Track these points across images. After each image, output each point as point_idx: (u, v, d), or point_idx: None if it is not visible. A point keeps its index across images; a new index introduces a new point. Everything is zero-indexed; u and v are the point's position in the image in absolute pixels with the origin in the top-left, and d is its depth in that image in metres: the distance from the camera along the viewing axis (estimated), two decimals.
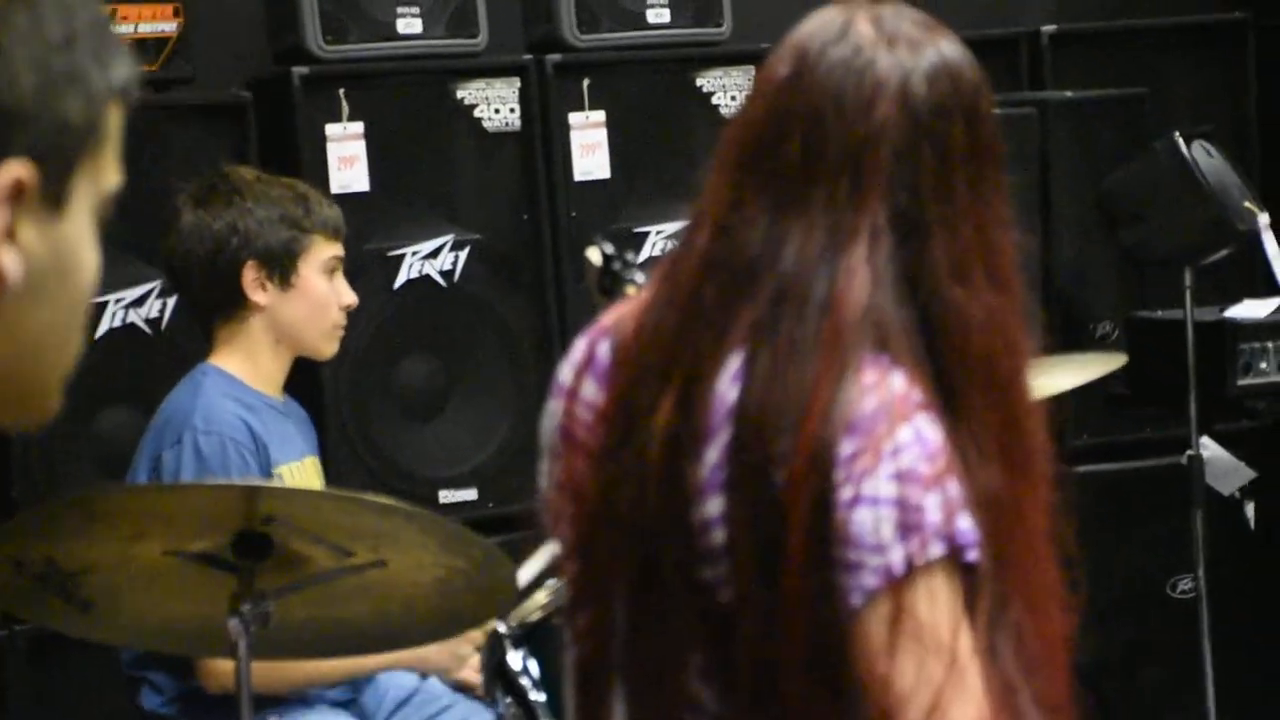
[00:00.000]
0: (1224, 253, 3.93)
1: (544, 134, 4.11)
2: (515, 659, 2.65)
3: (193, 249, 3.21)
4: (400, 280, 4.01)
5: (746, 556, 1.59)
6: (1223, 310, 4.09)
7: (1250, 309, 4.04)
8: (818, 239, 1.63)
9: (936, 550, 1.57)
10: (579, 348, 1.76)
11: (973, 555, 1.58)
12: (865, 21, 1.69)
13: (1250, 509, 4.22)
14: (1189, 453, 3.99)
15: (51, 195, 1.11)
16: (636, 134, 4.20)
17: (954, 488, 1.58)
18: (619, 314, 1.75)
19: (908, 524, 1.56)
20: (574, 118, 4.15)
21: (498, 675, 2.67)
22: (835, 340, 1.60)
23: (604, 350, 1.72)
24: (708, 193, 1.69)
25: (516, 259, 4.13)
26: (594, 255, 2.31)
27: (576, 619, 1.70)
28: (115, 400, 3.75)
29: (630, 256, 2.28)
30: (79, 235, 1.14)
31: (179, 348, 3.70)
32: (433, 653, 3.12)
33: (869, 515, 1.56)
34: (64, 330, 1.15)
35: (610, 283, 2.27)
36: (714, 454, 1.61)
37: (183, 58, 3.87)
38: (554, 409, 1.76)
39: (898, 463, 1.57)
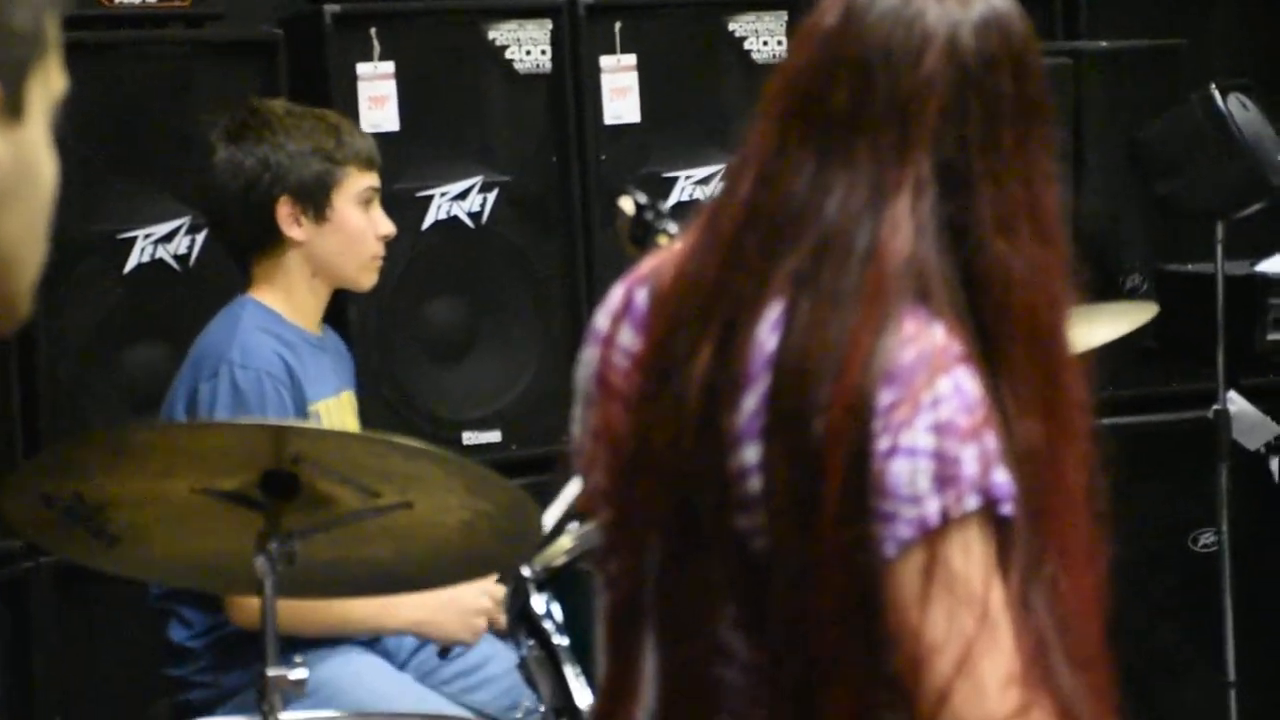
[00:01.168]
0: (1257, 207, 3.91)
1: (575, 77, 4.09)
2: (539, 603, 2.66)
3: (226, 185, 3.21)
4: (428, 221, 4.01)
5: (782, 505, 1.59)
6: (1254, 264, 4.07)
7: None
8: (862, 189, 1.63)
9: (972, 503, 1.57)
10: (616, 295, 1.75)
11: (1008, 509, 1.58)
12: None
13: (1275, 464, 4.21)
14: (1215, 407, 3.98)
15: (10, 104, 1.15)
16: (667, 78, 4.18)
17: (991, 441, 1.58)
18: (657, 262, 1.74)
19: (944, 476, 1.56)
20: (605, 61, 4.13)
21: (521, 618, 2.68)
22: (877, 290, 1.60)
23: (641, 298, 1.72)
24: (751, 141, 1.68)
25: (545, 202, 4.12)
26: (626, 204, 2.30)
27: (609, 565, 1.70)
28: (143, 336, 3.76)
29: (662, 206, 2.27)
30: (38, 141, 1.18)
31: (208, 284, 3.70)
32: (445, 619, 3.10)
33: (906, 466, 1.56)
34: (32, 237, 1.18)
35: (642, 232, 2.27)
36: (752, 401, 1.61)
37: None
38: (589, 356, 1.75)
39: (936, 414, 1.57)
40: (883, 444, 1.56)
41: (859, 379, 1.57)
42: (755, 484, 1.60)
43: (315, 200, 3.17)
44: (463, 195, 4.03)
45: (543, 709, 2.69)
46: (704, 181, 4.21)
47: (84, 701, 3.65)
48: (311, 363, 3.19)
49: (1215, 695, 4.09)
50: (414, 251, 3.99)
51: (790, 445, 1.59)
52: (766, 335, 1.62)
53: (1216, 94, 3.84)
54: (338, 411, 3.21)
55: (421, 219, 4.00)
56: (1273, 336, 3.97)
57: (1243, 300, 3.98)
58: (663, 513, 1.65)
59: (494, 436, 4.06)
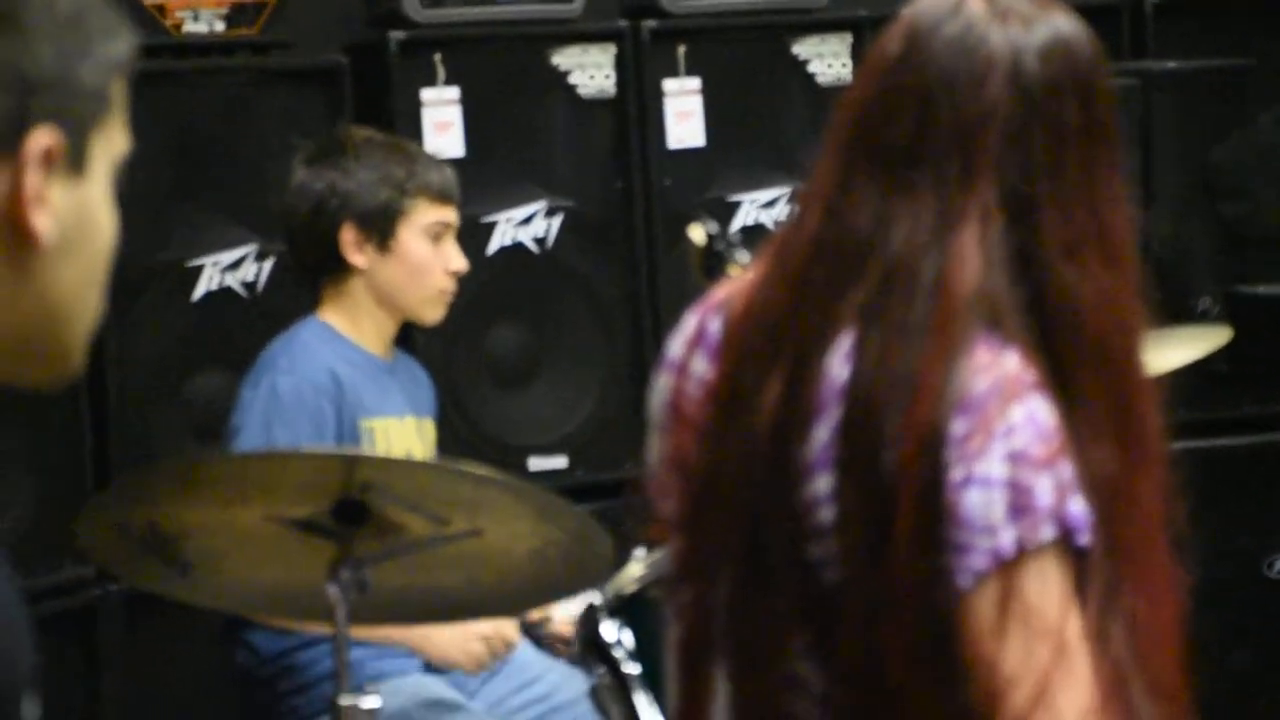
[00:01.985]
0: None
1: (639, 101, 4.09)
2: (609, 630, 2.65)
3: (295, 207, 3.23)
4: (493, 247, 4.01)
5: (855, 536, 1.58)
6: None
7: None
8: (927, 220, 1.62)
9: (1048, 533, 1.55)
10: (689, 323, 1.75)
11: (1084, 539, 1.56)
12: None
13: None
14: None
15: (73, 158, 1.19)
16: (731, 102, 4.17)
17: (1066, 470, 1.57)
18: (730, 290, 1.74)
19: (1019, 506, 1.55)
20: (668, 85, 4.13)
21: (592, 646, 2.67)
22: (946, 321, 1.59)
23: (715, 326, 1.72)
24: (818, 172, 1.68)
25: (609, 227, 4.12)
26: (697, 234, 2.29)
27: (680, 595, 1.70)
28: (211, 364, 3.77)
29: (733, 235, 2.26)
30: (99, 197, 1.22)
31: (275, 311, 3.71)
32: (441, 640, 3.08)
33: (980, 496, 1.55)
34: (88, 289, 1.22)
35: (713, 262, 2.26)
36: (823, 433, 1.61)
37: (280, 22, 3.87)
38: (663, 384, 1.75)
39: (1010, 443, 1.56)
40: (957, 474, 1.55)
41: (931, 409, 1.56)
42: (827, 515, 1.60)
43: (379, 229, 3.18)
44: (527, 221, 4.03)
45: None
46: (768, 205, 4.20)
47: None
48: (372, 381, 3.19)
49: None
50: (479, 277, 3.98)
51: (863, 477, 1.58)
52: (837, 367, 1.62)
53: None
54: (400, 433, 3.21)
55: (486, 245, 4.00)
56: None
57: None
58: (734, 543, 1.64)
59: (560, 462, 4.05)
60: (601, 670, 2.66)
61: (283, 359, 3.13)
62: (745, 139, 4.19)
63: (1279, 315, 3.93)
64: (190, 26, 3.79)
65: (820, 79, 4.24)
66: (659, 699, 2.65)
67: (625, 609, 2.67)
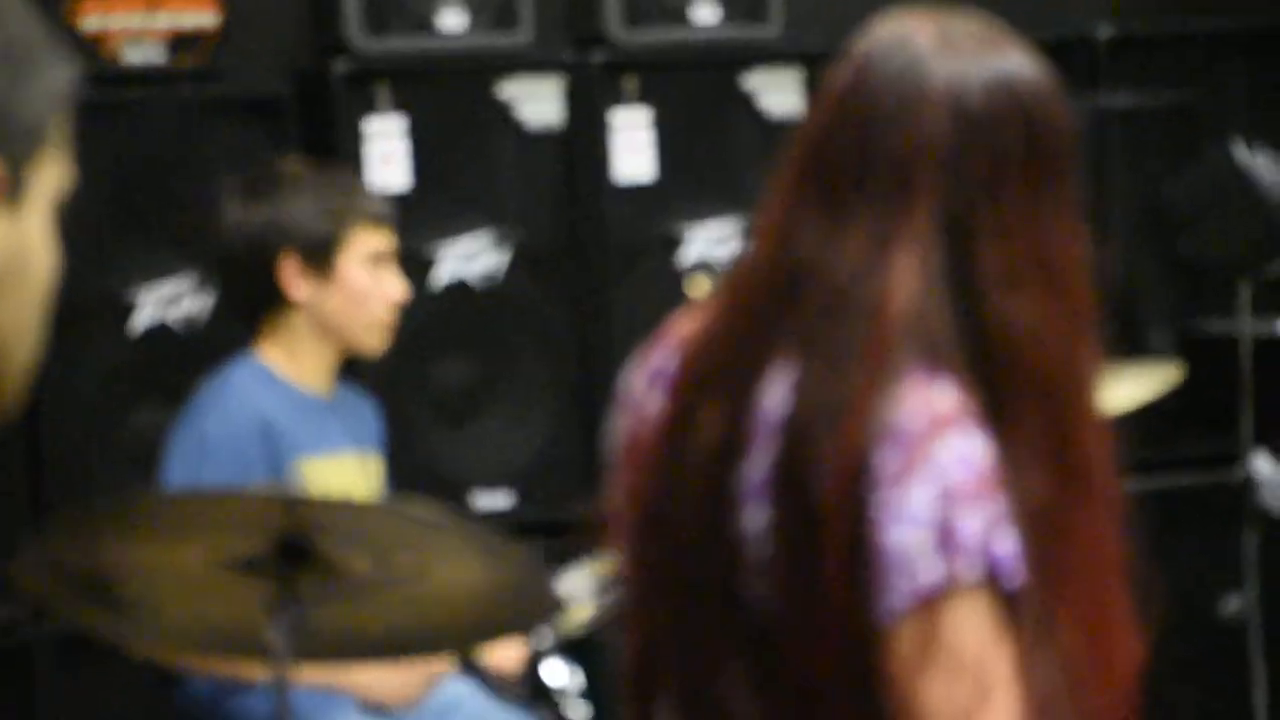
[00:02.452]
0: None
1: (588, 133, 4.06)
2: (554, 671, 2.61)
3: (232, 244, 3.18)
4: (439, 280, 3.96)
5: (785, 569, 1.59)
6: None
7: None
8: (866, 247, 1.63)
9: (973, 573, 1.55)
10: (648, 360, 1.75)
11: (1012, 579, 1.56)
12: (928, 31, 1.68)
13: None
14: (1243, 474, 3.92)
15: (10, 192, 1.17)
16: (681, 134, 4.14)
17: (995, 507, 1.56)
18: (687, 326, 1.73)
19: (945, 544, 1.55)
20: (618, 117, 4.09)
21: (537, 689, 2.63)
22: (880, 348, 1.59)
23: (672, 364, 1.71)
24: (769, 201, 1.69)
25: (557, 260, 4.08)
26: (699, 287, 2.27)
27: (627, 630, 1.71)
28: (149, 399, 3.72)
29: None
30: (37, 231, 1.19)
31: (214, 346, 3.65)
32: (384, 686, 3.02)
33: (906, 534, 1.55)
34: (27, 325, 1.20)
35: None
36: (758, 465, 1.61)
37: (223, 51, 3.83)
38: (619, 423, 1.75)
39: (939, 480, 1.55)
40: (882, 510, 1.55)
41: (858, 438, 1.56)
42: (763, 549, 1.60)
43: (318, 259, 3.13)
44: (474, 254, 3.99)
45: None
46: (718, 240, 4.17)
47: None
48: (308, 420, 3.14)
49: None
50: (425, 310, 3.94)
51: (793, 509, 1.58)
52: (771, 398, 1.62)
53: (1239, 149, 3.81)
54: (337, 471, 3.16)
55: (432, 278, 3.96)
56: None
57: (1270, 361, 3.92)
58: (673, 575, 1.65)
59: (505, 499, 4.00)
60: (547, 713, 2.62)
61: (210, 403, 3.09)
62: (695, 172, 4.16)
63: (1230, 352, 3.91)
64: (131, 56, 3.74)
65: (771, 113, 4.21)
66: None
67: (575, 650, 2.63)
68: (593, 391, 4.06)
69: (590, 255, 4.08)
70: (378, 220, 3.18)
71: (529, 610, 2.57)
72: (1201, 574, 4.25)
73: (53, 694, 3.56)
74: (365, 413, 3.31)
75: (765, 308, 1.64)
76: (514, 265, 4.02)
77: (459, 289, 3.98)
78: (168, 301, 3.73)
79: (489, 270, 4.00)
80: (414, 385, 3.95)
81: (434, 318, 3.96)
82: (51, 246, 1.21)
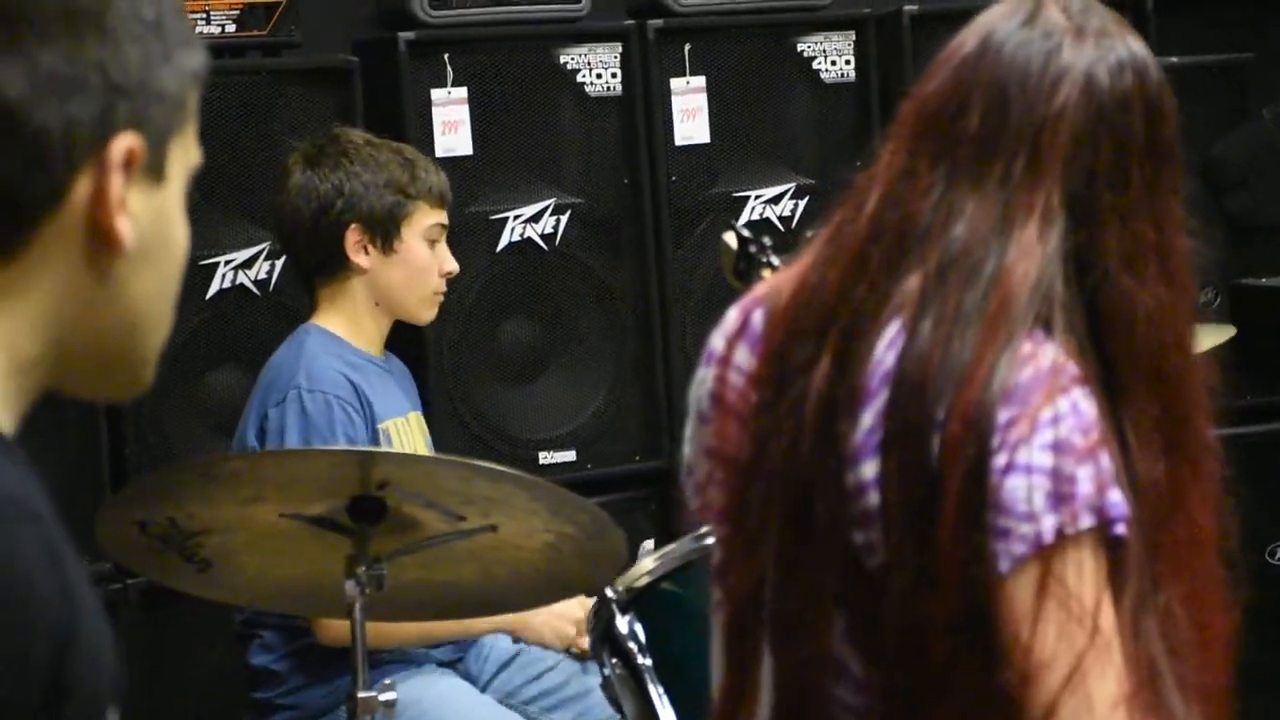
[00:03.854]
0: None
1: (645, 99, 4.13)
2: (622, 623, 2.69)
3: (299, 208, 3.25)
4: (502, 244, 4.05)
5: (899, 517, 1.60)
6: None
7: None
8: (990, 213, 1.64)
9: (1086, 521, 1.58)
10: (731, 316, 1.76)
11: (1121, 529, 1.59)
12: (1055, 9, 1.70)
13: None
14: None
15: (153, 166, 1.18)
16: (737, 99, 4.21)
17: (1106, 461, 1.59)
18: (774, 283, 1.75)
19: (1059, 494, 1.57)
20: (675, 83, 4.17)
21: (605, 639, 2.71)
22: (1002, 312, 1.61)
23: (758, 319, 1.73)
24: (880, 160, 1.70)
25: (616, 223, 4.16)
26: (730, 239, 2.31)
27: (727, 579, 1.71)
28: (224, 361, 3.81)
29: (766, 240, 2.28)
30: (175, 206, 1.20)
31: (287, 308, 3.75)
32: (537, 621, 3.15)
33: (1022, 483, 1.57)
34: (163, 299, 1.20)
35: (746, 266, 2.28)
36: (869, 417, 1.62)
37: (290, 23, 3.91)
38: (704, 375, 1.76)
39: (1053, 432, 1.58)
40: (1000, 460, 1.57)
41: (979, 395, 1.58)
42: (872, 500, 1.62)
43: (385, 231, 3.21)
44: (535, 218, 4.07)
45: None
46: (773, 200, 4.24)
47: None
48: (379, 383, 3.23)
49: None
50: (488, 274, 4.03)
51: (908, 459, 1.60)
52: (885, 350, 1.63)
53: None
54: (407, 431, 3.25)
55: (495, 242, 4.05)
56: None
57: None
58: (779, 518, 1.66)
59: (569, 456, 4.09)
60: (615, 663, 2.70)
61: (300, 375, 3.15)
62: (750, 135, 4.23)
63: (1278, 306, 3.96)
64: (201, 28, 3.83)
65: (824, 76, 4.28)
66: (671, 692, 2.69)
67: (638, 603, 2.71)
68: (651, 351, 4.15)
69: (649, 218, 4.16)
70: (440, 197, 3.26)
71: (597, 564, 2.65)
72: (1252, 523, 4.30)
73: (136, 647, 3.66)
74: (407, 373, 3.41)
75: (879, 264, 1.65)
76: (574, 229, 4.10)
77: (522, 252, 4.06)
78: (240, 266, 3.82)
79: (550, 234, 4.08)
80: (478, 347, 4.04)
81: (497, 281, 4.05)
82: (185, 223, 1.21)
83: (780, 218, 4.24)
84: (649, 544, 3.49)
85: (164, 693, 3.71)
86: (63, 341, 1.17)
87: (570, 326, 4.12)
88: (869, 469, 1.62)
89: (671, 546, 2.72)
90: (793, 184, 4.24)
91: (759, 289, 1.77)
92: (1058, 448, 1.58)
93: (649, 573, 2.71)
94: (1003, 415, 1.58)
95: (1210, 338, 3.48)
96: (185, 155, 1.21)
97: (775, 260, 2.26)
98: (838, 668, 1.65)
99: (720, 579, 1.72)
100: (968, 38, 1.70)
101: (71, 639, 1.08)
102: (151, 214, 1.18)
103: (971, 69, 1.68)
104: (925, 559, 1.58)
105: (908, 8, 4.30)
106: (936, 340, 1.61)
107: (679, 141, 4.17)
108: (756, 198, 4.23)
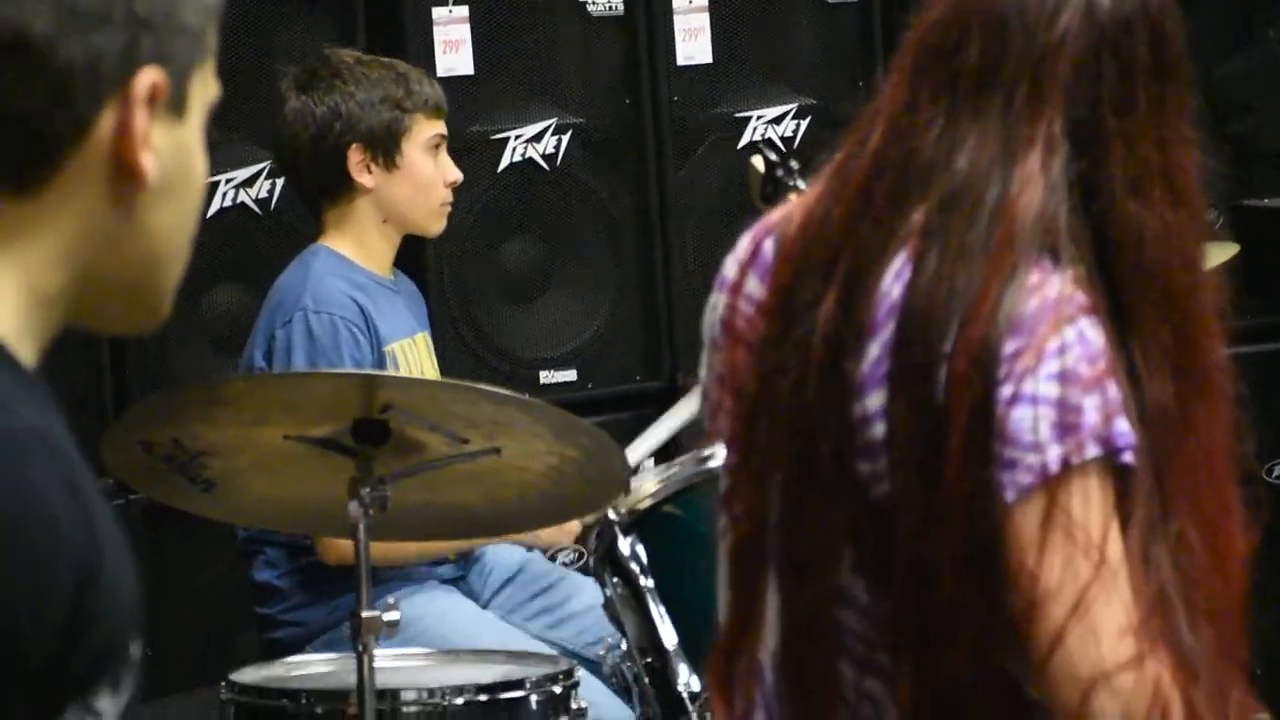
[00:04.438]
0: None
1: (647, 18, 4.12)
2: (624, 545, 2.71)
3: (297, 134, 3.24)
4: (503, 163, 4.05)
5: (906, 451, 1.61)
6: None
7: None
8: (992, 144, 1.64)
9: (1092, 451, 1.58)
10: (743, 244, 1.77)
11: (1128, 458, 1.59)
12: None
13: None
14: None
15: (175, 100, 1.17)
16: (739, 18, 4.20)
17: (1113, 390, 1.60)
18: (784, 212, 1.76)
19: (1065, 424, 1.58)
20: (677, 2, 4.15)
21: (606, 560, 2.73)
22: (1006, 244, 1.61)
23: (769, 247, 1.73)
24: (883, 94, 1.70)
25: (618, 143, 4.15)
26: (757, 162, 2.31)
27: (733, 507, 1.72)
28: (226, 279, 3.82)
29: (793, 164, 2.27)
30: (195, 140, 1.20)
31: (288, 227, 3.76)
32: (544, 533, 3.17)
33: (1028, 413, 1.58)
34: (183, 233, 1.20)
35: (773, 189, 2.27)
36: (875, 349, 1.63)
37: None
38: (716, 302, 1.76)
39: (1060, 362, 1.59)
40: (1006, 391, 1.58)
41: (984, 327, 1.59)
42: (878, 431, 1.62)
43: (385, 148, 3.20)
44: (537, 138, 4.07)
45: (625, 646, 2.75)
46: (776, 121, 4.24)
47: (173, 636, 3.73)
48: (386, 305, 3.24)
49: None
50: (490, 193, 4.03)
51: (914, 393, 1.60)
52: (891, 284, 1.64)
53: None
54: (413, 352, 3.26)
55: (496, 162, 4.04)
56: None
57: None
58: (785, 455, 1.67)
59: (570, 375, 4.11)
60: (617, 583, 2.72)
61: (307, 295, 3.15)
62: (752, 55, 4.22)
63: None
64: None
65: None
66: (672, 612, 2.71)
67: (640, 524, 2.73)
68: (653, 271, 4.16)
69: (650, 138, 4.15)
70: (436, 107, 3.25)
71: (600, 486, 2.66)
72: (1254, 441, 4.31)
73: (139, 561, 3.66)
74: (416, 293, 3.41)
75: (883, 199, 1.65)
76: (576, 148, 4.10)
77: (523, 172, 4.06)
78: (241, 185, 3.82)
79: (552, 154, 4.08)
80: (479, 266, 4.05)
81: (499, 200, 4.05)
82: (204, 158, 1.21)
83: (782, 138, 4.23)
84: (649, 461, 3.51)
85: (167, 608, 3.73)
86: (84, 275, 1.17)
87: (571, 247, 4.12)
88: (875, 400, 1.63)
89: (674, 469, 2.74)
90: (795, 104, 4.24)
91: (772, 216, 1.77)
92: (1064, 377, 1.58)
93: (651, 495, 2.73)
94: (1009, 346, 1.59)
95: (1214, 256, 3.49)
96: (205, 89, 1.21)
97: (802, 184, 2.25)
98: (845, 596, 1.66)
99: (727, 507, 1.73)
100: None
101: (94, 572, 1.09)
102: (173, 148, 1.18)
103: (969, 1, 1.67)
104: (932, 494, 1.59)
105: None
106: (942, 274, 1.62)
107: (681, 61, 4.16)
108: (758, 118, 4.23)
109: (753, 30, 4.21)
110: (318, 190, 3.28)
